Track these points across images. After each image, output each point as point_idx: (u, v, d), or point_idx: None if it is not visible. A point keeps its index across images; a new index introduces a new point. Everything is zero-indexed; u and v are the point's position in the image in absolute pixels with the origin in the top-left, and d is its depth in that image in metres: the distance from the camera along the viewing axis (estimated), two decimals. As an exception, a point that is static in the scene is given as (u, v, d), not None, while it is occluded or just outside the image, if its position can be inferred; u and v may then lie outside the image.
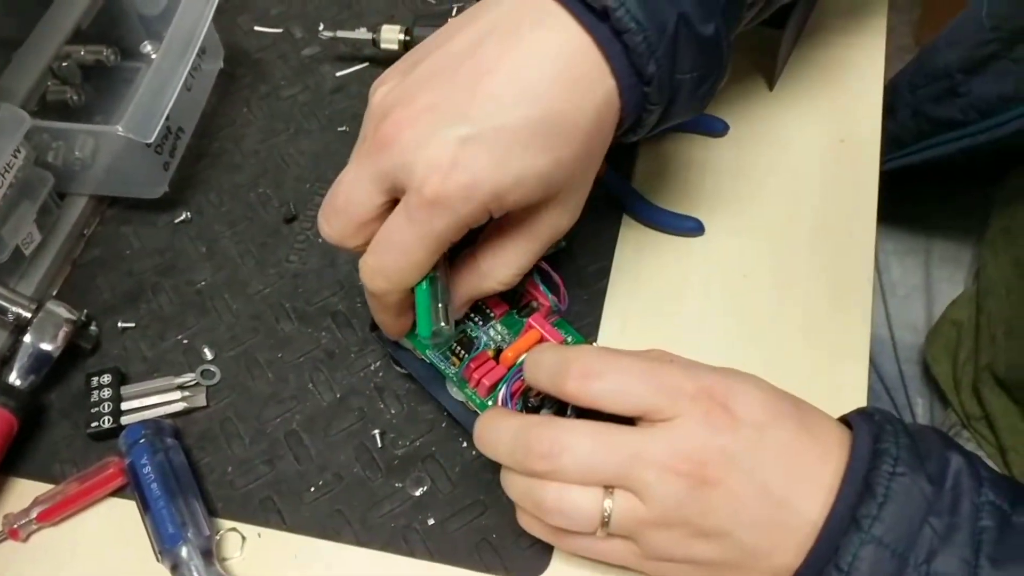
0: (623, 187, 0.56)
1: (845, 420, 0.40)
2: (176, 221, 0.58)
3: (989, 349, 0.62)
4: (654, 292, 0.54)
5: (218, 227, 0.57)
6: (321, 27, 0.66)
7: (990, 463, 0.61)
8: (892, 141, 0.65)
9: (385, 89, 0.41)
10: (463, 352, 0.46)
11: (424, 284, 0.42)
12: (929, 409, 0.70)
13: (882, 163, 0.58)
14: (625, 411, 0.37)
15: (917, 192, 0.72)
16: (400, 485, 0.47)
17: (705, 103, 0.45)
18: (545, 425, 0.38)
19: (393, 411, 0.50)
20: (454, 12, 0.59)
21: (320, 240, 0.56)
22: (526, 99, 0.38)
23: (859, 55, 0.63)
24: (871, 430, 0.37)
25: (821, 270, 0.54)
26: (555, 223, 0.42)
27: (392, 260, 0.40)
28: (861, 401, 0.50)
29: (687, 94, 0.42)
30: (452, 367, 0.46)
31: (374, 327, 0.49)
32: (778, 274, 0.54)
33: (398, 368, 0.50)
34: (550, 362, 0.39)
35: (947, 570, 0.34)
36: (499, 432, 0.39)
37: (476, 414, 0.45)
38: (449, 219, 0.38)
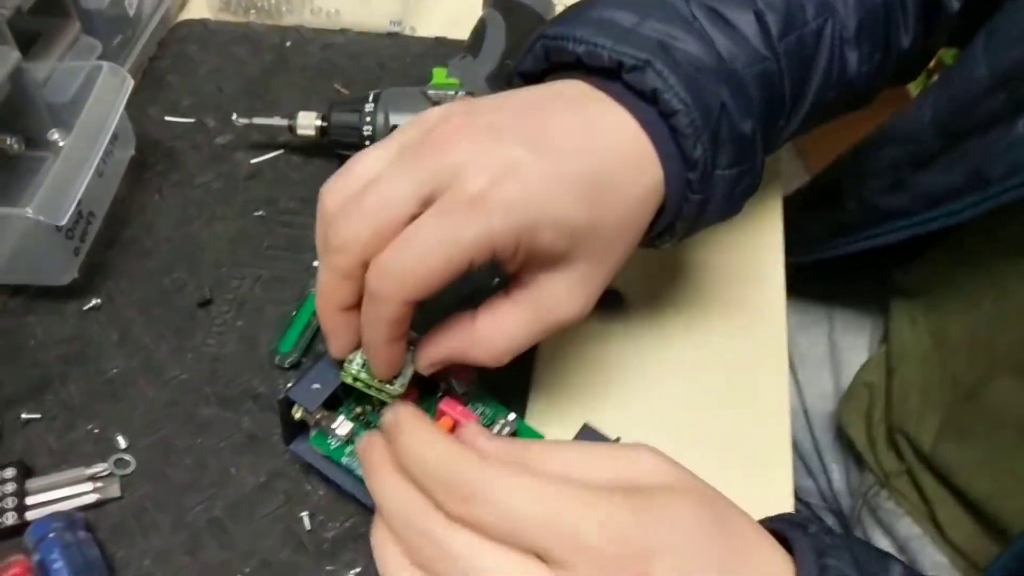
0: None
1: (775, 531, 0.36)
2: (85, 308, 0.56)
3: (902, 411, 0.64)
4: (581, 364, 0.54)
5: (130, 314, 0.56)
6: (234, 116, 0.66)
7: (909, 520, 0.63)
8: (840, 228, 0.67)
9: (442, 111, 0.40)
10: None
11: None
12: (845, 474, 0.72)
13: (797, 245, 0.60)
14: (514, 547, 0.32)
15: (816, 266, 0.75)
16: (332, 568, 0.45)
17: (740, 205, 0.46)
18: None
19: (321, 492, 0.48)
20: (370, 98, 0.60)
21: (239, 323, 0.55)
22: (584, 155, 0.39)
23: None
24: (812, 545, 0.35)
25: (737, 341, 0.56)
26: (564, 307, 0.41)
27: (409, 261, 0.36)
28: (785, 462, 0.51)
29: (724, 192, 0.43)
30: None
31: (289, 439, 0.47)
32: (696, 346, 0.55)
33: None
34: (432, 474, 0.34)
35: None
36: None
37: None
38: (480, 228, 0.36)
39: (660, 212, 0.43)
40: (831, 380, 0.75)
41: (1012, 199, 0.50)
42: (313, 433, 0.46)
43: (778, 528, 0.36)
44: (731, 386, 0.54)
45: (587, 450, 0.36)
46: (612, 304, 0.56)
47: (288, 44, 0.73)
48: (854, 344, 0.77)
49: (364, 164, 0.39)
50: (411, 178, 0.37)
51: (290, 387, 0.44)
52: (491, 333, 0.41)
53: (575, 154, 0.39)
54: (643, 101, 0.41)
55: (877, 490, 0.66)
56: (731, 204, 0.45)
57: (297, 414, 0.45)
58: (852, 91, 0.53)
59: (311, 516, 0.47)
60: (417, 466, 0.35)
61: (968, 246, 0.62)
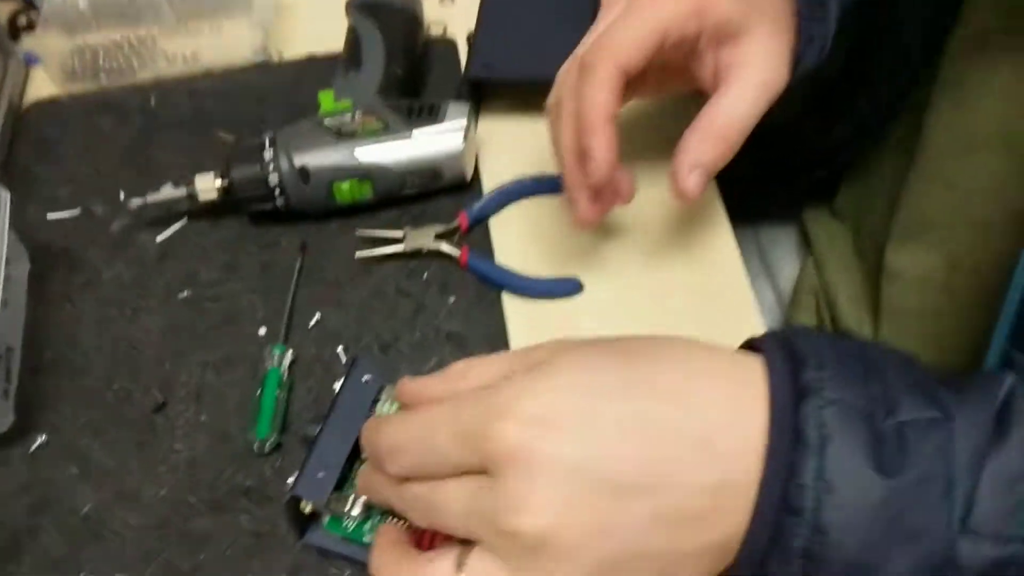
0: (492, 269, 0.56)
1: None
2: (32, 449, 0.51)
3: (837, 314, 0.66)
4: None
5: (83, 441, 0.51)
6: (122, 195, 0.61)
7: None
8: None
9: None
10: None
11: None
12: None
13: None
14: (439, 475, 0.34)
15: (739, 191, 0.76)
16: (385, 648, 0.44)
17: None
18: None
19: (348, 573, 0.46)
20: (266, 143, 0.56)
21: (203, 418, 0.52)
22: None
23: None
24: (767, 334, 0.36)
25: (698, 288, 0.55)
26: (765, 71, 0.47)
27: (621, 32, 0.46)
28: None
29: None
30: None
31: (300, 533, 0.45)
32: (660, 304, 0.55)
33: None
34: (368, 445, 0.37)
35: (915, 415, 0.32)
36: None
37: None
38: (669, 10, 0.45)
39: None
40: (771, 293, 0.77)
41: None
42: (326, 520, 0.44)
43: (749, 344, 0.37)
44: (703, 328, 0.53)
45: (492, 361, 0.38)
46: (573, 290, 0.55)
47: (153, 102, 0.68)
48: (783, 255, 0.79)
49: None
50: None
51: (292, 484, 0.42)
52: (724, 117, 0.47)
53: None
54: None
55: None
56: None
57: (307, 508, 0.43)
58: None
59: (347, 600, 0.45)
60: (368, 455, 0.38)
61: (873, 168, 0.64)
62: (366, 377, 0.45)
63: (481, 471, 0.33)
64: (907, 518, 0.31)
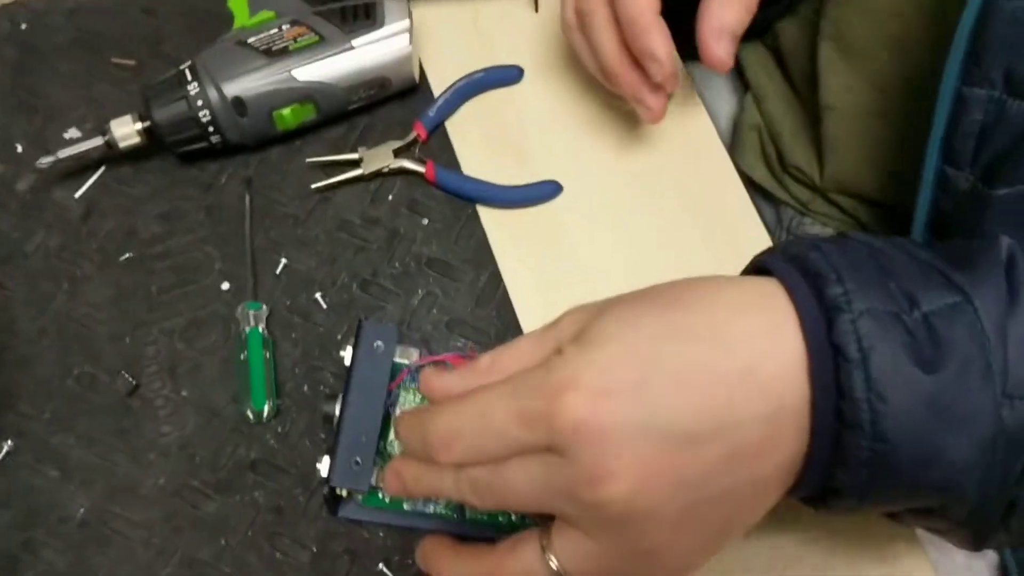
0: (463, 182, 0.52)
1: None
2: (0, 457, 0.46)
3: (782, 148, 0.67)
4: (550, 267, 0.51)
5: (55, 439, 0.47)
6: (19, 148, 0.54)
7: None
8: None
9: None
10: None
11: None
12: (758, 214, 0.74)
13: None
14: (499, 458, 0.33)
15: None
16: (439, 605, 0.43)
17: None
18: None
19: (381, 533, 0.44)
20: (187, 75, 0.49)
21: (184, 393, 0.48)
22: None
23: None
24: (774, 254, 0.35)
25: (678, 167, 0.54)
26: None
27: None
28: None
29: None
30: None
31: (335, 510, 0.43)
32: (643, 191, 0.53)
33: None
34: (412, 438, 0.35)
35: (937, 304, 0.32)
36: None
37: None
38: None
39: None
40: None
41: None
42: (361, 497, 0.42)
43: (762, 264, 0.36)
44: (691, 202, 0.53)
45: (519, 345, 0.36)
46: (552, 193, 0.52)
47: (24, 26, 0.58)
48: (719, 92, 0.77)
49: None
50: None
51: (326, 473, 0.40)
52: (715, 21, 0.46)
53: None
54: None
55: (800, 219, 0.68)
56: None
57: (343, 491, 0.41)
58: None
59: (387, 561, 0.44)
60: (409, 449, 0.36)
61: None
62: (377, 343, 0.41)
63: (545, 448, 0.32)
64: (956, 407, 0.32)
